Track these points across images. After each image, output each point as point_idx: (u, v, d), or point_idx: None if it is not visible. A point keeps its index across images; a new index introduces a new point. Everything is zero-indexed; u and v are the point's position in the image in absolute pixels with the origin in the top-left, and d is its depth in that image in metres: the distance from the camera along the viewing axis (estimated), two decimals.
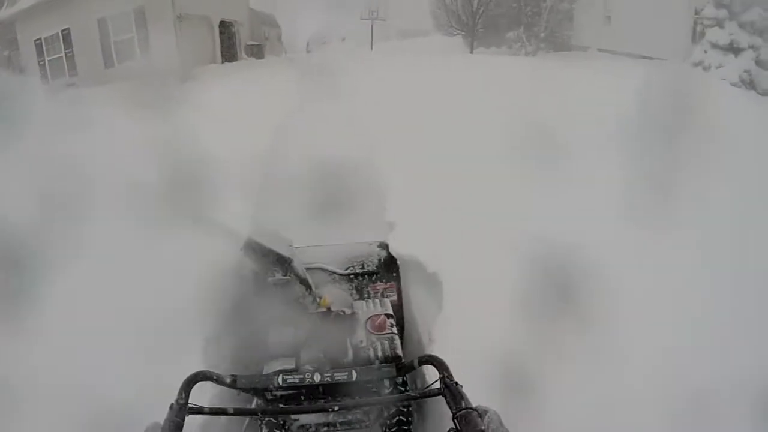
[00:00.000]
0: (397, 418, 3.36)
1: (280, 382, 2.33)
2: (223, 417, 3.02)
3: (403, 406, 3.35)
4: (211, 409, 2.07)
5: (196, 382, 2.04)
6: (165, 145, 5.79)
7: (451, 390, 1.85)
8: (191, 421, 1.91)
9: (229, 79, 15.38)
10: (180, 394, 1.96)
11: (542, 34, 18.98)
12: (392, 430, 3.36)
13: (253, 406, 3.05)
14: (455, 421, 1.72)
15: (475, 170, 5.99)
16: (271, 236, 3.40)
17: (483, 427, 1.61)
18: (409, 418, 3.39)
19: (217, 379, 2.18)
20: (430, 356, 2.12)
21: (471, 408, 1.72)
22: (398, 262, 4.22)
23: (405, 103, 9.55)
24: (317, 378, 2.36)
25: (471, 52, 21.89)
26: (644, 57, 16.28)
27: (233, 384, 2.26)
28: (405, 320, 4.15)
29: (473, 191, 5.51)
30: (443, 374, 1.94)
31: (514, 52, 20.07)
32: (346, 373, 2.37)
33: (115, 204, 4.83)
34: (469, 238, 4.61)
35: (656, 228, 4.12)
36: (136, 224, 4.50)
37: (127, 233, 4.55)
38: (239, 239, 3.26)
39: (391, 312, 3.45)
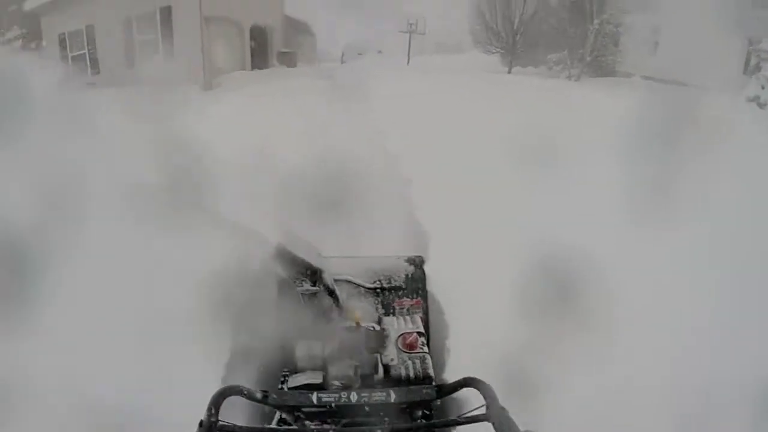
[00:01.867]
0: None
1: (315, 401, 2.21)
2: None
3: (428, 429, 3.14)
4: (240, 427, 1.91)
5: (225, 397, 1.93)
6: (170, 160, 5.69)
7: (498, 416, 1.76)
8: None
9: (254, 90, 14.36)
10: (209, 409, 1.84)
11: (588, 58, 17.41)
12: None
13: (275, 421, 2.84)
14: None
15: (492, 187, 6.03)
16: (301, 244, 3.23)
17: None
18: None
19: (248, 394, 2.07)
20: (474, 379, 2.03)
21: None
22: (426, 278, 4.05)
23: (434, 125, 9.02)
24: (354, 398, 2.24)
25: (509, 72, 20.57)
26: (691, 86, 14.87)
27: (264, 399, 2.15)
28: (431, 338, 3.83)
29: (485, 205, 5.58)
30: (489, 399, 1.85)
31: (554, 74, 18.57)
32: (384, 393, 2.25)
33: (120, 212, 4.78)
34: (480, 245, 4.68)
35: (659, 232, 4.15)
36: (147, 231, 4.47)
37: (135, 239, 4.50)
38: (268, 245, 3.15)
39: (422, 330, 3.27)
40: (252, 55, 19.17)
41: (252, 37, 19.15)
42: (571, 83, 16.53)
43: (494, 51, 21.60)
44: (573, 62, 17.66)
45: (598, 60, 17.85)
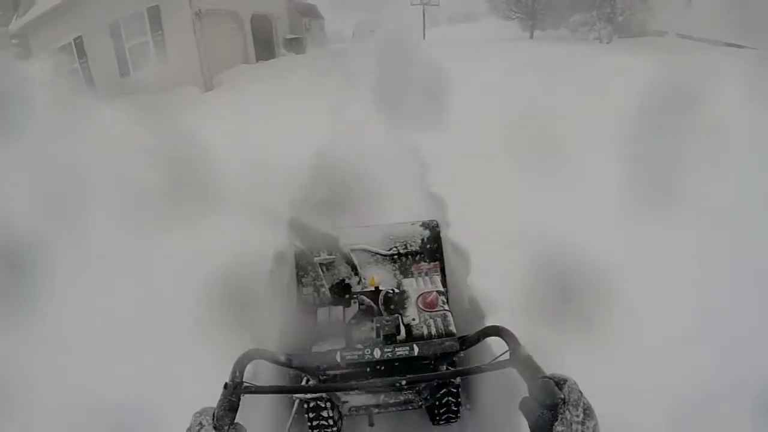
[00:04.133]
0: (447, 399, 3.23)
1: (338, 360, 2.23)
2: (269, 400, 3.02)
3: (453, 388, 3.24)
4: (266, 387, 1.94)
5: (250, 360, 1.92)
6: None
7: (522, 361, 1.75)
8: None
9: (258, 86, 12.86)
10: (234, 372, 1.83)
11: (620, 18, 15.27)
12: (442, 411, 3.28)
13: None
14: (531, 391, 1.61)
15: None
16: (314, 218, 3.34)
17: (563, 396, 1.49)
18: (458, 399, 3.27)
19: (272, 358, 2.08)
20: (496, 327, 2.01)
21: (548, 377, 1.59)
22: (441, 240, 3.97)
23: (468, 116, 7.90)
24: (377, 354, 2.25)
25: (531, 37, 18.65)
26: (731, 45, 12.93)
27: (288, 363, 2.15)
28: (449, 301, 3.61)
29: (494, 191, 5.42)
30: (512, 346, 1.84)
31: (580, 37, 16.54)
32: (408, 347, 2.27)
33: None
34: (480, 235, 4.55)
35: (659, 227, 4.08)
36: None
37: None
38: (282, 221, 3.28)
39: (442, 289, 3.18)
40: (256, 46, 17.58)
41: (255, 27, 17.54)
42: (604, 46, 14.48)
43: (513, 16, 19.65)
44: (601, 23, 15.54)
45: (627, 19, 15.72)
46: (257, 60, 17.43)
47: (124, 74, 13.89)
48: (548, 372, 1.63)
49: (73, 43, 14.18)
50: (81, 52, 14.22)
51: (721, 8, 13.71)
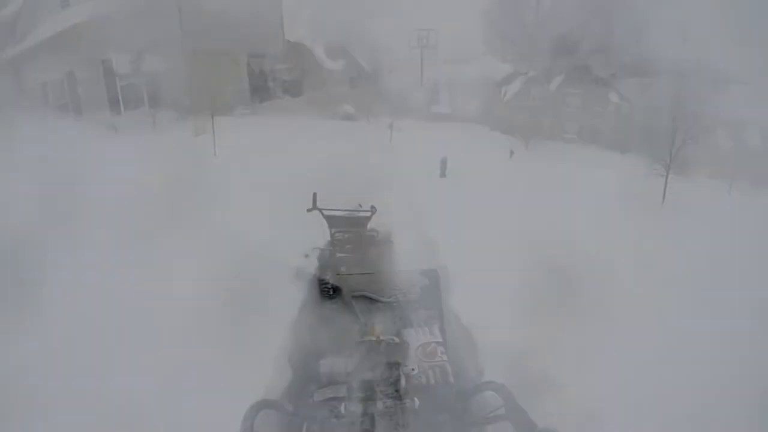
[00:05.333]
0: None
1: (343, 411, 2.36)
2: None
3: None
4: None
5: (259, 410, 2.08)
6: None
7: (516, 414, 1.82)
8: None
9: (248, 133, 12.47)
10: (245, 422, 2.00)
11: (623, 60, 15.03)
12: None
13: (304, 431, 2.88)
14: None
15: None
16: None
17: None
18: None
19: (280, 408, 2.23)
20: (491, 382, 2.17)
21: (540, 431, 1.68)
22: (440, 289, 4.03)
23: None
24: (380, 407, 2.37)
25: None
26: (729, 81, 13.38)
27: (295, 412, 2.32)
28: (447, 345, 3.72)
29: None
30: (507, 401, 1.92)
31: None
32: (408, 401, 2.38)
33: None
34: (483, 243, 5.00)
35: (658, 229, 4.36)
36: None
37: None
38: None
39: (440, 340, 3.31)
40: (252, 88, 17.30)
41: (251, 68, 17.29)
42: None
43: (509, 60, 19.50)
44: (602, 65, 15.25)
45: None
46: (253, 101, 17.14)
47: (115, 113, 13.51)
48: (541, 425, 1.75)
49: (65, 78, 13.81)
50: (73, 88, 13.83)
51: (717, 43, 13.84)
